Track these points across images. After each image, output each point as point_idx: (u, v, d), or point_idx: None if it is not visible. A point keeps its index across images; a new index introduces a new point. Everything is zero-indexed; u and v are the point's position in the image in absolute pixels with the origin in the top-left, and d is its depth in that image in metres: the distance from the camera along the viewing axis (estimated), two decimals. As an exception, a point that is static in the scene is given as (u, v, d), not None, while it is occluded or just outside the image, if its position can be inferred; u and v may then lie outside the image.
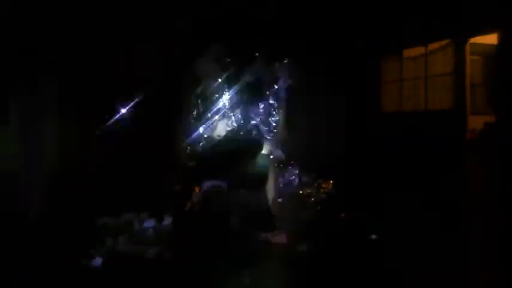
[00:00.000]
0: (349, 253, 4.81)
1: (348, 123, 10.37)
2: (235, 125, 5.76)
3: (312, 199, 6.20)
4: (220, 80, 5.83)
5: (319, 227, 5.50)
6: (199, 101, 5.93)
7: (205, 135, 5.79)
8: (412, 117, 10.98)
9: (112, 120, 7.43)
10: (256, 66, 5.94)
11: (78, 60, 7.40)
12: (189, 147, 5.89)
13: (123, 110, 7.51)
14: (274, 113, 5.94)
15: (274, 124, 5.91)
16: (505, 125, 8.55)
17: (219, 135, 5.76)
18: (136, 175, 6.64)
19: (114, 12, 7.43)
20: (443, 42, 10.31)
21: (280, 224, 5.51)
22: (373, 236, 5.25)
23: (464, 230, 5.65)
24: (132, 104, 7.39)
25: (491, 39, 9.48)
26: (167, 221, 5.60)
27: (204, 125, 5.83)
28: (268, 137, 5.87)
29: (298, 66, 6.23)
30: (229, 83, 5.86)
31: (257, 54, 5.97)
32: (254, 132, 5.77)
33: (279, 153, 5.92)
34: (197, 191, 5.50)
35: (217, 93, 5.84)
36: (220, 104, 5.83)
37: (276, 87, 5.97)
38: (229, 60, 5.87)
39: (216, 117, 5.81)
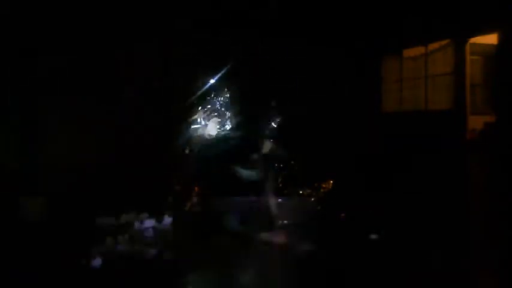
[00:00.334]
0: (349, 253, 4.81)
1: (348, 123, 10.35)
2: (233, 125, 5.76)
3: (312, 199, 6.20)
4: (220, 80, 5.83)
5: (319, 227, 5.50)
6: (199, 101, 5.94)
7: (205, 136, 5.79)
8: (412, 117, 10.96)
9: (112, 120, 7.44)
10: (257, 66, 5.95)
11: (78, 60, 7.41)
12: (189, 148, 5.89)
13: (123, 110, 7.52)
14: (274, 112, 5.94)
15: (273, 124, 5.92)
16: (505, 125, 8.54)
17: (218, 135, 5.77)
18: (136, 175, 6.64)
19: (114, 12, 7.44)
20: (443, 42, 10.30)
21: (280, 224, 5.52)
22: (373, 236, 5.25)
23: (464, 230, 5.64)
24: (132, 104, 7.41)
25: (491, 39, 9.47)
26: (167, 221, 5.61)
27: (203, 125, 5.83)
28: (266, 135, 5.87)
29: (298, 66, 6.24)
30: (228, 83, 5.86)
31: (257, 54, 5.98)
32: (252, 132, 5.77)
33: (270, 144, 5.90)
34: (196, 190, 5.50)
35: (217, 93, 5.85)
36: (220, 104, 5.83)
37: (276, 87, 5.98)
38: (228, 60, 5.88)
39: (216, 117, 5.81)
